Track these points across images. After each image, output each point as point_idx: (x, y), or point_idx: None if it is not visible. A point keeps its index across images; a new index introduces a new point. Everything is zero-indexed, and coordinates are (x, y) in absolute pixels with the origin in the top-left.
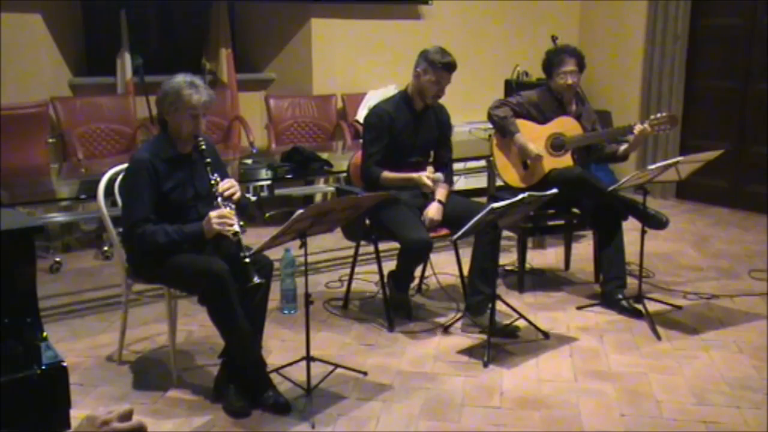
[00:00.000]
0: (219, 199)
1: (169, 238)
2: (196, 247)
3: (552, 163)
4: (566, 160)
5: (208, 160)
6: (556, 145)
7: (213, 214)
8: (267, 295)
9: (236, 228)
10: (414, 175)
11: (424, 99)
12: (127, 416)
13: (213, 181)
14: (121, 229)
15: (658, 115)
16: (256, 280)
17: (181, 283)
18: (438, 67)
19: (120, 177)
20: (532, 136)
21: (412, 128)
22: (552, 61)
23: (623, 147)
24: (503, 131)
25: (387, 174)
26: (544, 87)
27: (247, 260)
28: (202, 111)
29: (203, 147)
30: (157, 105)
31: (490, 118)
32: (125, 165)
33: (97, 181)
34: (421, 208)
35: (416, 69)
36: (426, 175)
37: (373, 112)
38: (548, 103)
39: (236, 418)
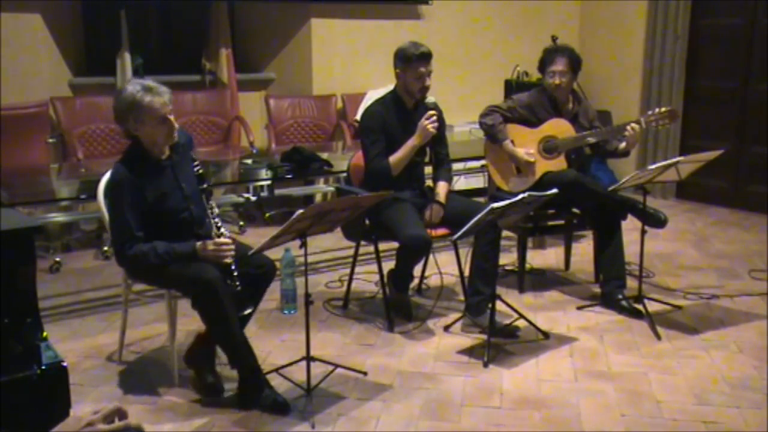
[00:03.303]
0: (215, 227)
1: (161, 260)
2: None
3: (545, 166)
4: (560, 163)
5: (205, 185)
6: (549, 148)
7: (210, 245)
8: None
9: (230, 260)
10: (414, 139)
11: (412, 96)
12: (112, 415)
13: (211, 208)
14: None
15: (656, 110)
16: (247, 311)
17: (175, 287)
18: (413, 60)
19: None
20: (524, 140)
21: (406, 128)
22: (544, 59)
23: (622, 144)
24: (492, 139)
25: (393, 158)
26: (540, 87)
27: (239, 288)
28: (169, 110)
29: (200, 171)
30: (120, 123)
31: (480, 126)
32: None
33: (97, 181)
34: (421, 208)
35: (395, 70)
36: (422, 122)
37: (367, 114)
38: (542, 104)
39: (209, 396)
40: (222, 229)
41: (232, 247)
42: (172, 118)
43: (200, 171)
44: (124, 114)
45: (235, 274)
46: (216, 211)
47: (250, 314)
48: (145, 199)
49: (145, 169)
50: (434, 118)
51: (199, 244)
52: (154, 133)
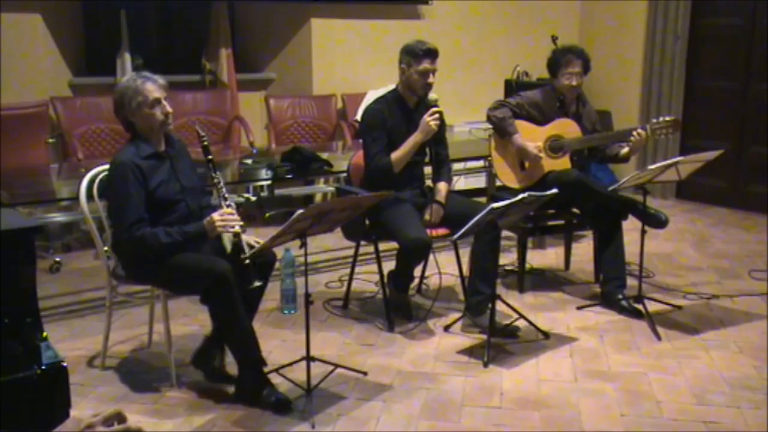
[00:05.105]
0: (221, 198)
1: (172, 238)
2: (196, 246)
3: (550, 164)
4: (564, 162)
5: (210, 156)
6: (555, 147)
7: (216, 215)
8: (263, 290)
9: (238, 228)
10: (416, 136)
11: (415, 93)
12: (111, 419)
13: (216, 179)
14: (111, 231)
15: (660, 119)
16: (256, 283)
17: (180, 282)
18: (420, 55)
19: (100, 181)
20: (531, 137)
21: (407, 126)
22: (559, 60)
23: (624, 150)
24: (502, 132)
25: (394, 154)
26: (548, 87)
27: (247, 261)
28: (163, 95)
29: (206, 143)
30: (119, 111)
31: (489, 119)
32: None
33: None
34: (422, 207)
35: (400, 66)
36: (425, 118)
37: (368, 113)
38: (550, 104)
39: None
40: (228, 200)
41: (237, 217)
42: (165, 103)
43: (205, 143)
44: (121, 99)
45: (245, 243)
46: (222, 182)
47: (259, 297)
48: (146, 185)
49: (146, 156)
50: (437, 114)
51: (206, 220)
52: (149, 117)
